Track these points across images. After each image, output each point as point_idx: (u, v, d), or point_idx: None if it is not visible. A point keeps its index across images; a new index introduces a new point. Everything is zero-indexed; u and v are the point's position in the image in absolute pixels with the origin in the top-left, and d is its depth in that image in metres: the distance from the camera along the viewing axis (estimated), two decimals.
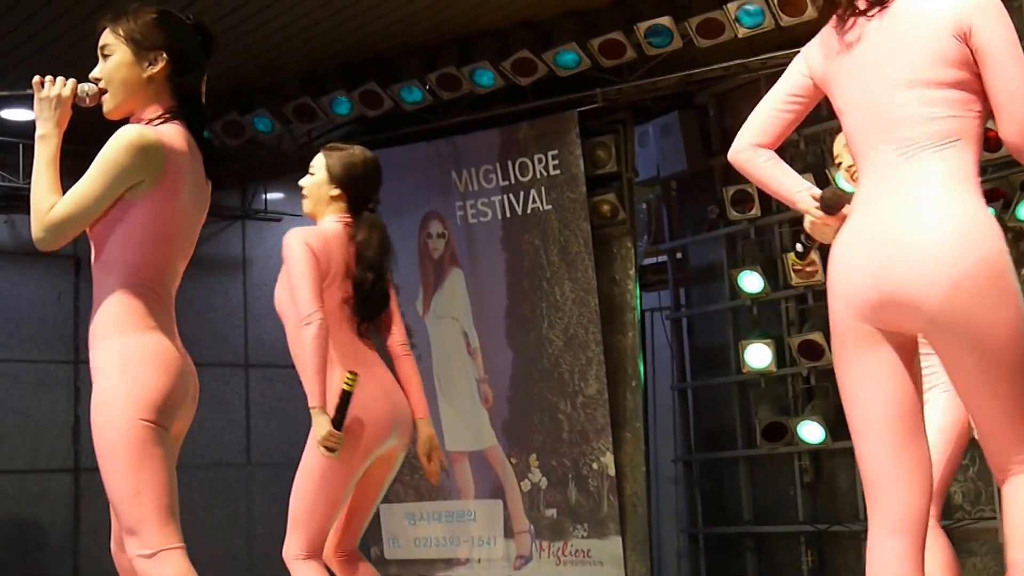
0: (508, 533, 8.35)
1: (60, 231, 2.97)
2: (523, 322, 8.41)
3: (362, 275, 4.15)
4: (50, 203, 2.97)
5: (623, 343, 8.23)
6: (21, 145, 9.17)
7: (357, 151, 4.32)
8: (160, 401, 2.96)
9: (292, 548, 4.01)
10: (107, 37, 3.12)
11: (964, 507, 6.98)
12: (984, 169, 6.77)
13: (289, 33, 7.66)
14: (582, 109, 8.14)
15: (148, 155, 2.99)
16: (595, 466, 8.11)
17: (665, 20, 7.20)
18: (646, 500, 8.06)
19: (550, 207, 8.31)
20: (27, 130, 9.10)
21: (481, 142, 8.56)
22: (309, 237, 4.11)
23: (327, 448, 3.92)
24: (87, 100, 3.10)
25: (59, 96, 3.06)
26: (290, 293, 4.06)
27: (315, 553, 4.01)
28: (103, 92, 3.10)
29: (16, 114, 8.96)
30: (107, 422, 2.95)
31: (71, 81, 3.09)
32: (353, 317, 4.16)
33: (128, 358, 2.98)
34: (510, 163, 8.44)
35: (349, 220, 4.24)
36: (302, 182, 4.31)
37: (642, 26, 7.27)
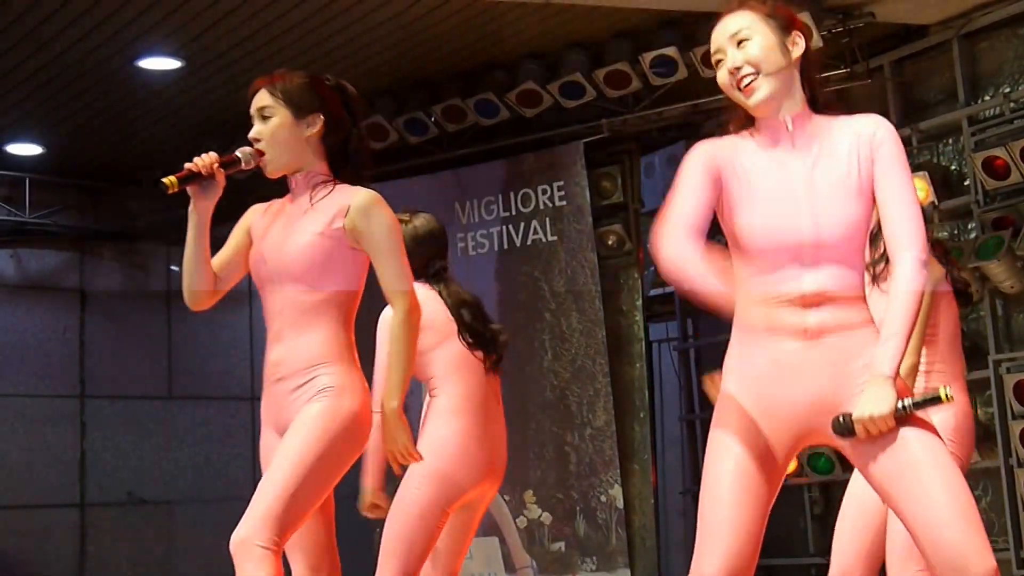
0: (510, 569, 8.27)
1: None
2: (516, 356, 8.29)
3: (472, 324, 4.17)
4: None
5: (630, 374, 8.19)
6: (27, 180, 9.18)
7: (420, 221, 4.31)
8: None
9: None
10: (265, 99, 3.27)
11: None
12: (993, 197, 6.80)
13: (293, 67, 7.64)
14: (588, 140, 8.15)
15: None
16: (603, 498, 8.05)
17: (670, 51, 7.21)
18: (655, 532, 8.01)
19: (555, 238, 8.29)
20: (32, 165, 9.20)
21: (485, 174, 8.55)
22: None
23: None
24: (243, 163, 3.23)
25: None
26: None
27: None
28: (261, 154, 3.23)
29: (21, 149, 8.95)
30: (338, 433, 3.08)
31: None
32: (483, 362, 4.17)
33: (355, 389, 3.16)
34: (512, 194, 8.43)
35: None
36: None
37: (647, 57, 7.29)
